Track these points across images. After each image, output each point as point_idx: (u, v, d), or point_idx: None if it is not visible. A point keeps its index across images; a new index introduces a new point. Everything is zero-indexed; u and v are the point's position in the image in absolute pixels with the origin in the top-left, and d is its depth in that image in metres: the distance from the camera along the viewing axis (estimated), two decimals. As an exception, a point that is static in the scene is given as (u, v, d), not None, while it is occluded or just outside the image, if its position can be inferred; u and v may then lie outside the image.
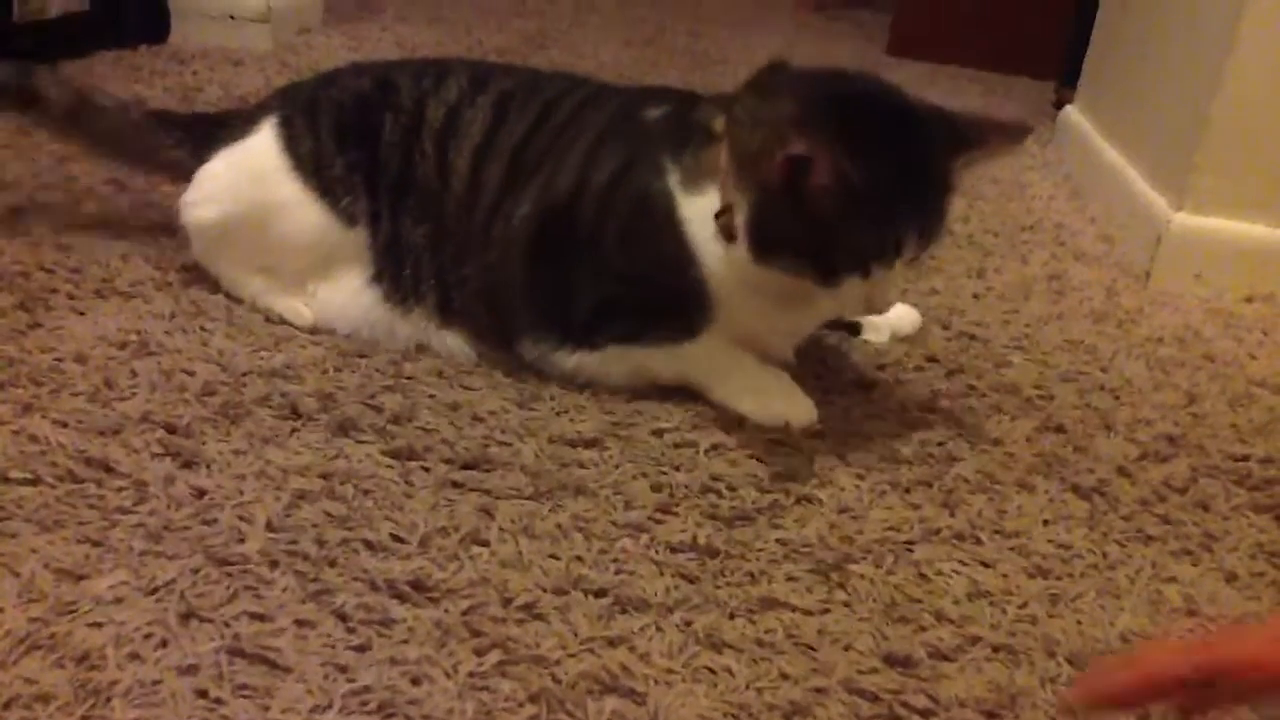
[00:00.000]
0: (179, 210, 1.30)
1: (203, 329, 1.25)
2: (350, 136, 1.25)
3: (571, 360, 1.21)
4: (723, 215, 1.11)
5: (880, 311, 1.08)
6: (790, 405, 1.19)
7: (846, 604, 0.95)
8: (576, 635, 0.87)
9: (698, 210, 1.13)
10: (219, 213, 1.27)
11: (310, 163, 1.24)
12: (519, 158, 1.22)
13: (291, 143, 1.25)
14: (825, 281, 1.07)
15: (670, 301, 1.17)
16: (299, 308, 1.28)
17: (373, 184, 1.25)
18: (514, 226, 1.20)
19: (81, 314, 1.25)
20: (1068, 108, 2.40)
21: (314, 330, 1.28)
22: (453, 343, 1.26)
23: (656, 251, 1.16)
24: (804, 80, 1.13)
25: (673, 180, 1.14)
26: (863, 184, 1.00)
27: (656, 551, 0.98)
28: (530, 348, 1.23)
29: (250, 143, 1.27)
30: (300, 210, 1.24)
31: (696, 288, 1.15)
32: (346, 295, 1.27)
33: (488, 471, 1.06)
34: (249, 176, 1.26)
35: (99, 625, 0.82)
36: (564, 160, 1.20)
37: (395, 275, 1.25)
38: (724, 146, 1.12)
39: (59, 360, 1.15)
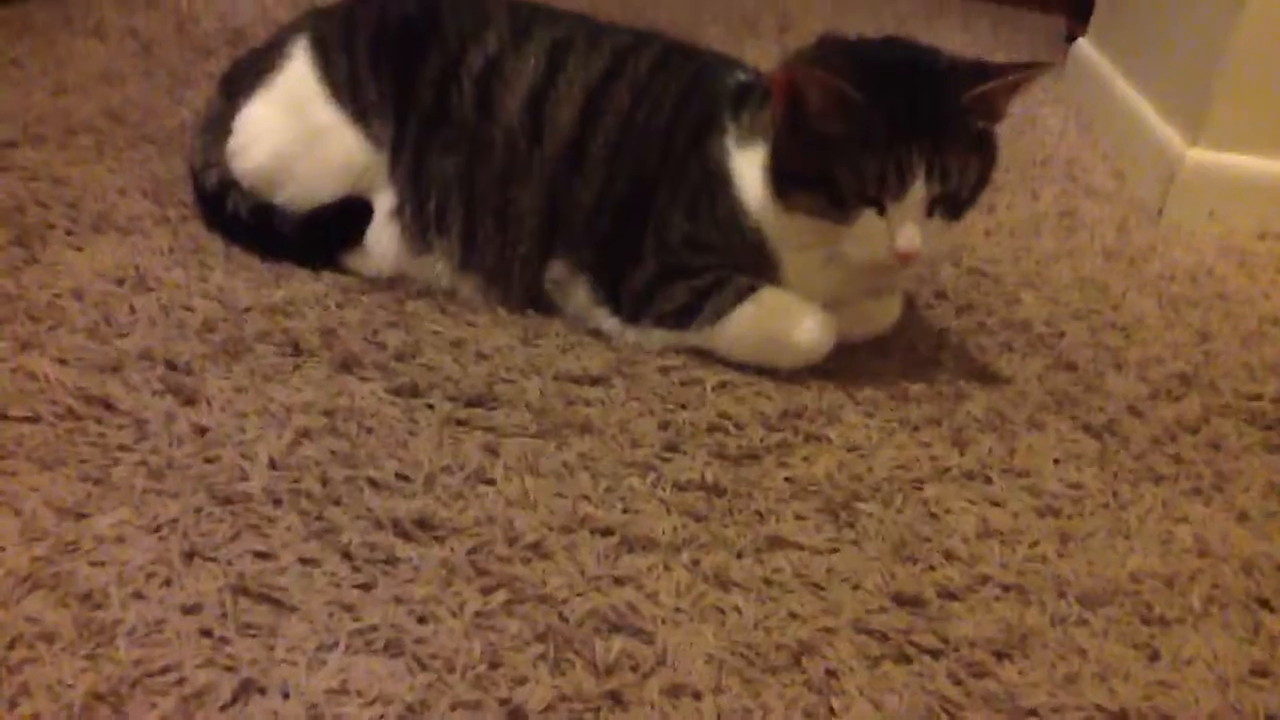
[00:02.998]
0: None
1: (202, 264, 1.23)
2: (387, 59, 1.23)
3: (609, 323, 1.20)
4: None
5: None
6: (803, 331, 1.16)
7: (855, 543, 0.94)
8: (584, 574, 0.87)
9: (748, 163, 1.13)
10: (268, 152, 1.24)
11: (347, 87, 1.23)
12: (596, 102, 1.20)
13: (327, 67, 1.23)
14: (840, 216, 1.06)
15: (733, 265, 1.16)
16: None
17: (401, 111, 1.22)
18: (615, 179, 1.19)
19: (79, 249, 1.23)
20: (1080, 41, 2.35)
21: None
22: (466, 289, 1.24)
23: (714, 209, 1.15)
24: (834, 38, 1.16)
25: (729, 139, 1.15)
26: (859, 104, 1.02)
27: (663, 490, 0.97)
28: (564, 274, 1.21)
29: (285, 74, 1.24)
30: (337, 134, 1.22)
31: (754, 243, 1.14)
32: (372, 229, 1.24)
33: (493, 409, 1.05)
34: (288, 108, 1.24)
35: (101, 564, 0.81)
36: (649, 128, 1.19)
37: (418, 207, 1.23)
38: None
39: (57, 296, 1.13)
